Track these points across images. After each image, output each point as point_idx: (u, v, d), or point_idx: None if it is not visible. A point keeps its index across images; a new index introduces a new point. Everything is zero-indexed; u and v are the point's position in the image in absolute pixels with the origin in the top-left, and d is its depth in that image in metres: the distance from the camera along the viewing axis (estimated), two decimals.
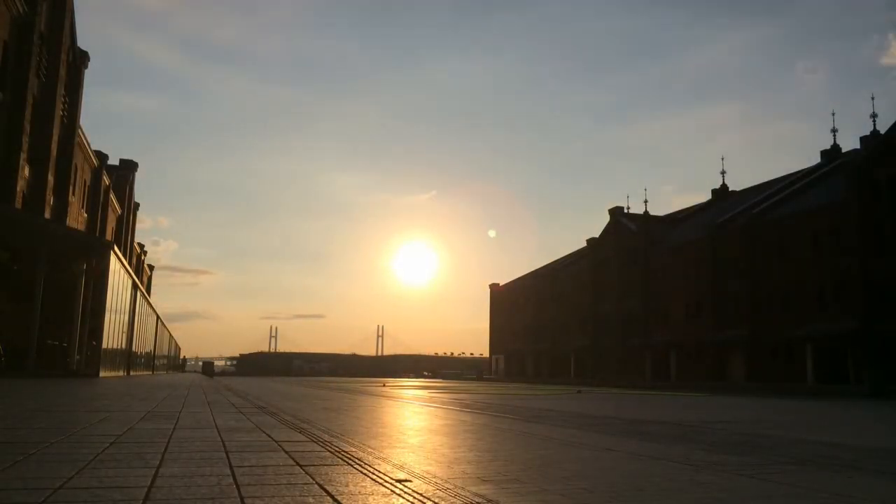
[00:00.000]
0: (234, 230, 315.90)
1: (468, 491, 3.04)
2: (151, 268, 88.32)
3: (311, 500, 2.71)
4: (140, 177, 64.42)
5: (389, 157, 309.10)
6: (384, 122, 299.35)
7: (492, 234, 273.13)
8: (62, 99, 31.51)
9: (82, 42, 35.31)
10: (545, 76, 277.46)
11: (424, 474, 3.52)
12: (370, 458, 4.07)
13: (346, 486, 3.05)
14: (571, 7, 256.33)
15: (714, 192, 62.71)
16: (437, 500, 2.80)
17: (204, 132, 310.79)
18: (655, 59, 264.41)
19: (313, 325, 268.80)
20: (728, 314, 46.82)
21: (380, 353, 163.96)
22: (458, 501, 2.80)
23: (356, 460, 3.90)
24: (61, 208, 32.03)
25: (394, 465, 3.82)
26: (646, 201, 68.41)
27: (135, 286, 33.97)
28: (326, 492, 2.88)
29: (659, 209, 74.75)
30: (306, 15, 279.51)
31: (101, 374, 24.14)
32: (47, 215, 29.03)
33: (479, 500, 2.84)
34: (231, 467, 3.51)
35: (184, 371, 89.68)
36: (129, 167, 58.34)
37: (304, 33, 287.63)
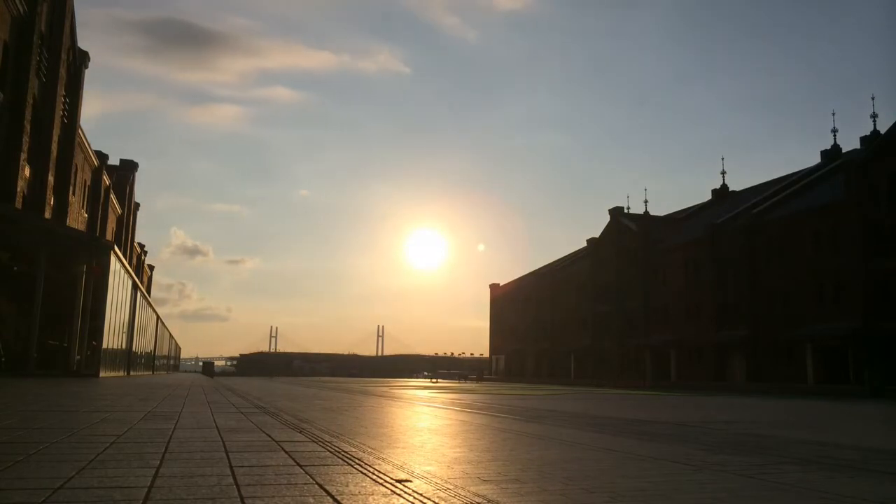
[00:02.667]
0: (238, 227, 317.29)
1: (468, 491, 3.04)
2: (151, 268, 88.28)
3: (311, 500, 2.71)
4: (140, 175, 64.35)
5: (395, 161, 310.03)
6: (385, 127, 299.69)
7: (481, 248, 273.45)
8: (62, 99, 31.49)
9: (82, 42, 35.31)
10: (550, 76, 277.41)
11: (425, 474, 3.52)
12: (370, 458, 4.07)
13: (347, 486, 3.04)
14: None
15: (714, 192, 62.69)
16: (437, 501, 2.80)
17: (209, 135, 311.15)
18: (656, 59, 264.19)
19: (313, 325, 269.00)
20: (728, 314, 46.80)
21: (380, 353, 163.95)
22: (459, 501, 2.80)
23: (356, 460, 3.90)
24: (61, 208, 32.01)
25: (394, 465, 3.82)
26: (646, 201, 68.63)
27: (135, 286, 33.97)
28: (326, 492, 2.88)
29: (659, 209, 74.67)
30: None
31: (102, 374, 24.12)
32: (47, 215, 29.01)
33: (480, 500, 2.84)
34: (231, 467, 3.50)
35: (177, 371, 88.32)
36: (129, 167, 58.31)
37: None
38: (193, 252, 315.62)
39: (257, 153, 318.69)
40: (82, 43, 35.17)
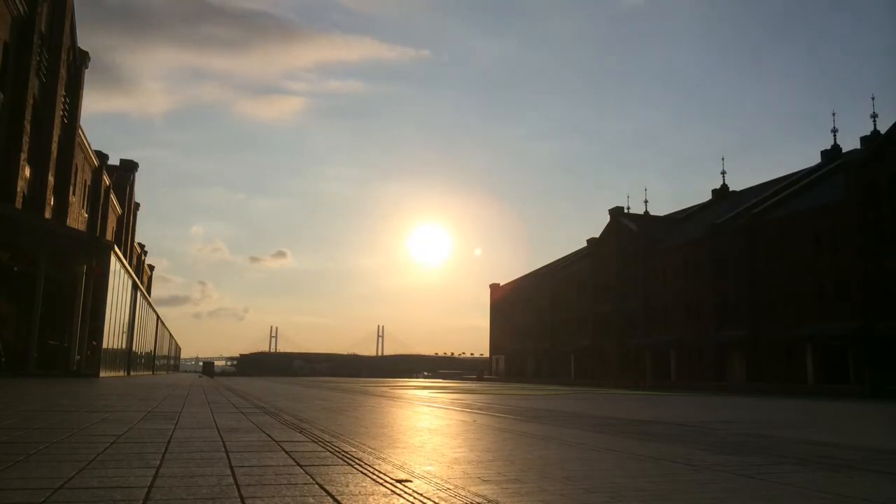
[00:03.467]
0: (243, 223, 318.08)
1: (469, 491, 3.04)
2: (152, 268, 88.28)
3: (311, 500, 2.71)
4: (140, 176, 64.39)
5: (399, 158, 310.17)
6: (388, 124, 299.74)
7: (477, 252, 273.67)
8: (62, 99, 31.49)
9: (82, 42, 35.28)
10: (550, 75, 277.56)
11: (425, 474, 3.52)
12: (370, 458, 4.06)
13: (347, 486, 3.04)
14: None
15: (714, 192, 62.70)
16: (437, 501, 2.80)
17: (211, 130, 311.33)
18: (656, 60, 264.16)
19: (314, 325, 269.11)
20: (728, 314, 46.80)
21: (380, 353, 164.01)
22: (459, 502, 2.80)
23: (356, 460, 3.90)
24: (62, 208, 32.01)
25: (394, 465, 3.82)
26: (646, 201, 68.62)
27: (135, 286, 33.97)
28: (327, 492, 2.88)
29: (659, 209, 74.75)
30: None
31: (102, 374, 24.13)
32: (47, 215, 29.01)
33: (480, 500, 2.84)
34: (231, 467, 3.50)
35: (177, 371, 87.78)
36: (129, 167, 58.31)
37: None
38: (217, 249, 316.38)
39: (303, 146, 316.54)
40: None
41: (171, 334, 74.70)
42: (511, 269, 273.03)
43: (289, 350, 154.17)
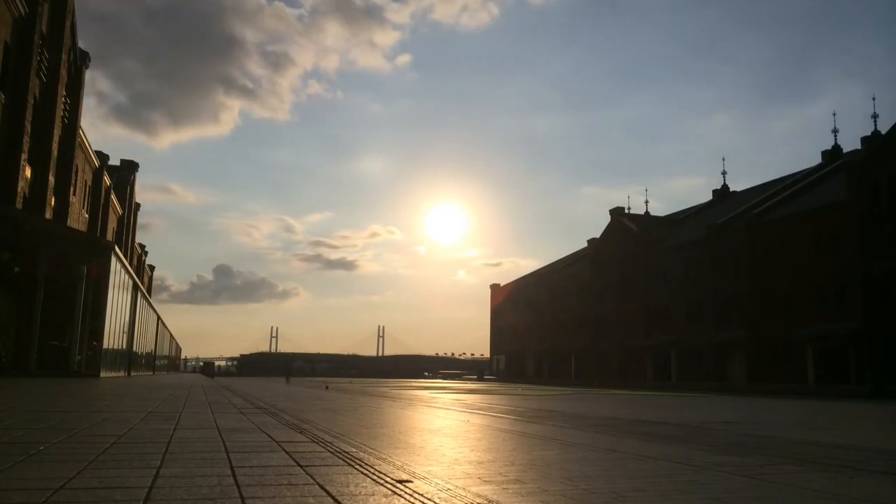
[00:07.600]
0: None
1: (469, 492, 3.04)
2: (152, 268, 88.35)
3: (311, 500, 2.71)
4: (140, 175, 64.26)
5: (401, 155, 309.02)
6: (388, 120, 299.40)
7: (461, 273, 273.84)
8: (63, 99, 31.50)
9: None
10: (552, 76, 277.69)
11: (426, 475, 3.52)
12: (371, 458, 4.06)
13: (347, 486, 3.04)
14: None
15: (714, 192, 62.72)
16: (438, 501, 2.80)
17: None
18: (658, 61, 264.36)
19: (314, 325, 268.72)
20: (728, 314, 46.79)
21: (380, 354, 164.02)
22: (460, 502, 2.80)
23: (357, 461, 3.90)
24: (62, 209, 32.02)
25: (395, 465, 3.82)
26: (646, 201, 68.70)
27: (135, 287, 33.98)
28: (327, 492, 2.88)
29: (659, 209, 74.78)
30: None
31: (102, 374, 24.13)
32: (48, 216, 29.02)
33: (481, 500, 2.84)
34: (232, 468, 3.50)
35: (177, 371, 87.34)
36: (130, 168, 58.35)
37: None
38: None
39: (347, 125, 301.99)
40: None
41: (171, 334, 74.76)
42: (512, 269, 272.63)
43: (289, 350, 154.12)
